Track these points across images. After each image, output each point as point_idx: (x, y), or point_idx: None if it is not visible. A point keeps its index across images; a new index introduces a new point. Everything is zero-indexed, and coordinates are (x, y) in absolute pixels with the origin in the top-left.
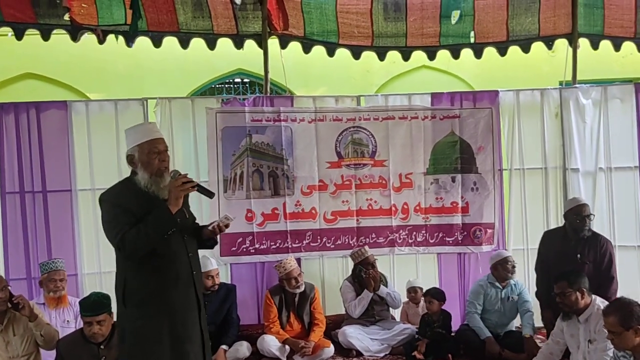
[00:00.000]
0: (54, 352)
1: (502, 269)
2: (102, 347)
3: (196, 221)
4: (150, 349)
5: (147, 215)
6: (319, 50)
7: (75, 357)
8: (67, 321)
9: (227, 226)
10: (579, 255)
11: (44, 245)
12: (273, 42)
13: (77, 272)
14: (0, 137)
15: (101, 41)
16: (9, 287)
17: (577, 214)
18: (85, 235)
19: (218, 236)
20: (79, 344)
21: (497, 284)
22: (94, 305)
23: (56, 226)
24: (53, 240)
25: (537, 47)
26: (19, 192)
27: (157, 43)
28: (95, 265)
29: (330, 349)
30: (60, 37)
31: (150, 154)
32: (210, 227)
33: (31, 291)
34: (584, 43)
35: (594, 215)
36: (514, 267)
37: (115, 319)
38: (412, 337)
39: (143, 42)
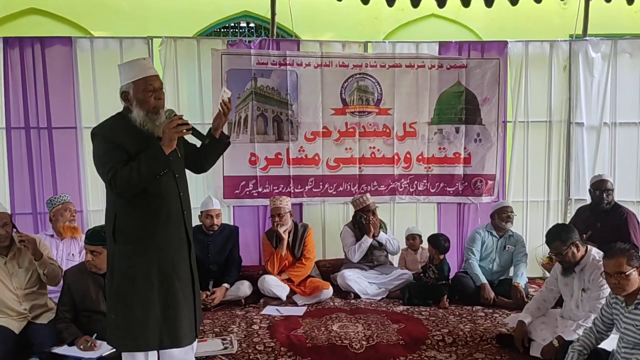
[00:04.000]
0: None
1: (498, 217)
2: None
3: (202, 145)
4: (138, 286)
5: (140, 154)
6: None
7: (82, 287)
8: (72, 254)
9: (229, 100)
10: (598, 224)
11: (49, 181)
12: None
13: (82, 209)
14: (5, 72)
15: None
16: (13, 223)
17: (597, 188)
18: (90, 172)
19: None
20: (85, 274)
21: (495, 232)
22: (92, 235)
23: (61, 163)
24: (58, 177)
25: None
26: (24, 128)
27: None
28: (101, 202)
29: (329, 291)
30: None
31: (145, 91)
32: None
33: (37, 226)
34: None
35: (613, 190)
36: (509, 216)
37: None
38: (409, 282)
39: None
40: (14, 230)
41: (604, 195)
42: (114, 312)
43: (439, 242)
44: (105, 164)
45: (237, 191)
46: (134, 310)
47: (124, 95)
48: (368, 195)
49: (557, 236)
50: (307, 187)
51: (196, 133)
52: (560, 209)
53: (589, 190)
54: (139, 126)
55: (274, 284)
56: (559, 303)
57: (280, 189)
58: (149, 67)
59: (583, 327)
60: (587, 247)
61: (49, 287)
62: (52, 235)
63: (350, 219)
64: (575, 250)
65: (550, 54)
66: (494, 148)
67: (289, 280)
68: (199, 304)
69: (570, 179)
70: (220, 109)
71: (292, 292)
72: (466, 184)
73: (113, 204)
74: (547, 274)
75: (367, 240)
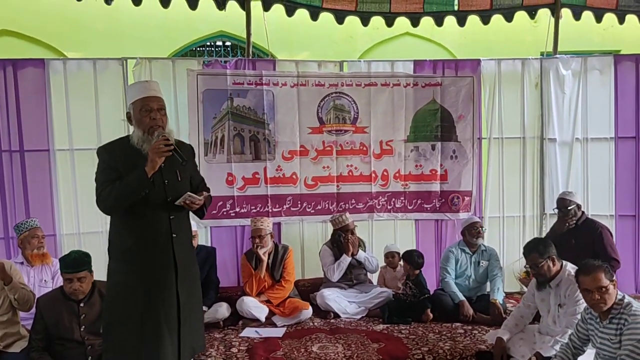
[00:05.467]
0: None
1: (468, 233)
2: (82, 304)
3: (203, 183)
4: (123, 306)
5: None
6: (302, 13)
7: (55, 314)
8: (45, 281)
9: (193, 203)
10: (573, 240)
11: (21, 204)
12: (256, 5)
13: (56, 233)
14: None
15: None
16: None
17: (558, 207)
18: (63, 195)
19: (204, 208)
20: (58, 302)
21: (467, 249)
22: (74, 262)
23: (34, 186)
24: (31, 200)
25: (520, 16)
26: None
27: (136, 1)
28: (74, 225)
29: (309, 311)
30: None
31: (142, 111)
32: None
33: (9, 251)
34: (566, 14)
35: (580, 205)
36: (479, 232)
37: (95, 277)
38: (389, 300)
39: (122, 0)
40: None
41: (567, 213)
42: (104, 329)
43: (412, 258)
44: (97, 182)
45: (214, 211)
46: (115, 331)
47: (128, 115)
48: (347, 214)
49: (534, 248)
50: (285, 207)
51: (177, 153)
52: (536, 223)
53: (554, 209)
54: (136, 146)
55: (253, 305)
56: (537, 318)
57: (258, 209)
58: (149, 89)
59: (560, 343)
60: (562, 263)
61: (22, 314)
62: (22, 263)
63: (329, 237)
64: (551, 264)
65: (522, 71)
66: (469, 164)
67: (267, 302)
68: (189, 331)
69: (545, 194)
70: (183, 204)
71: (272, 313)
72: (443, 200)
73: (112, 220)
74: (525, 289)
75: (346, 260)
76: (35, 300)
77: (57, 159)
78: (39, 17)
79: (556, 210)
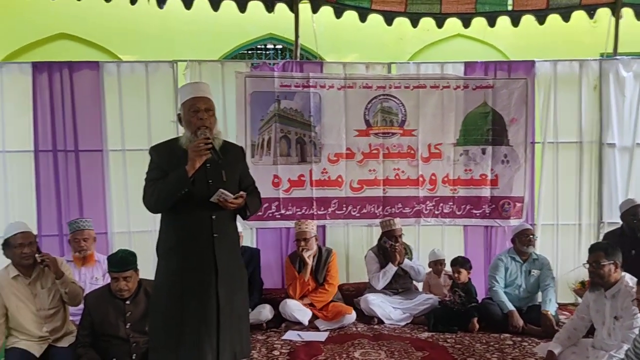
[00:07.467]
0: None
1: (519, 241)
2: (127, 302)
3: (253, 186)
4: (166, 305)
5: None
6: (350, 15)
7: (102, 312)
8: (96, 278)
9: (227, 201)
10: (633, 251)
11: (75, 203)
12: (304, 7)
13: (107, 231)
14: (34, 96)
15: (133, 1)
16: (37, 243)
17: (633, 214)
18: (115, 194)
19: (246, 209)
20: (105, 299)
21: (518, 257)
22: (120, 261)
23: (87, 185)
24: (84, 199)
25: (578, 16)
26: (52, 151)
27: (187, 5)
28: (125, 224)
29: (352, 316)
30: None
31: (190, 111)
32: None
33: (62, 248)
34: (627, 13)
35: None
36: (530, 239)
37: (143, 276)
38: (434, 307)
39: (174, 3)
40: (37, 251)
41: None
42: (149, 328)
43: (461, 263)
44: (145, 181)
45: (260, 213)
46: (157, 330)
47: (178, 117)
48: (397, 220)
49: (602, 248)
50: (330, 209)
51: (214, 152)
52: (593, 232)
53: (622, 217)
54: (183, 147)
55: (296, 308)
56: (591, 332)
57: (303, 211)
58: (198, 90)
59: (615, 358)
60: (622, 273)
61: (70, 310)
62: (70, 261)
63: (375, 241)
64: (612, 269)
65: (580, 73)
66: (522, 169)
67: (311, 305)
68: (229, 336)
69: (603, 202)
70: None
71: (314, 317)
72: (493, 206)
73: (161, 219)
74: (580, 300)
75: (391, 269)
76: (84, 297)
77: (109, 159)
78: (94, 21)
79: (624, 218)
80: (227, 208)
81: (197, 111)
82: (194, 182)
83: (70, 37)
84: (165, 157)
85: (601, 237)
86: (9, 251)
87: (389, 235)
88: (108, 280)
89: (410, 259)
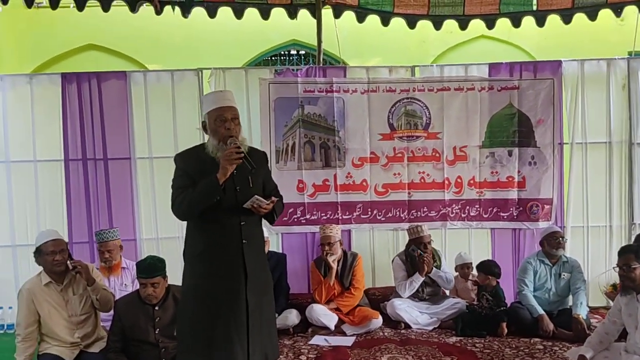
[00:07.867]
0: (111, 313)
1: (548, 244)
2: (156, 308)
3: (276, 190)
4: (194, 310)
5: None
6: (373, 19)
7: (132, 317)
8: (125, 284)
9: (260, 207)
10: None
11: (104, 210)
12: (327, 12)
13: (136, 237)
14: (64, 106)
15: (158, 12)
16: (69, 250)
17: None
18: (143, 201)
19: (274, 214)
20: (135, 305)
21: (547, 260)
22: (149, 268)
23: (116, 192)
24: (113, 206)
25: (604, 14)
26: (82, 160)
27: (211, 13)
28: (153, 231)
29: (379, 320)
30: (119, 8)
31: (217, 121)
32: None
33: (92, 255)
34: None
35: None
36: (559, 242)
37: (171, 281)
38: (462, 312)
39: (198, 12)
40: (69, 258)
41: None
42: (177, 333)
43: (489, 268)
44: (172, 188)
45: (285, 218)
46: (186, 335)
47: (203, 125)
48: (425, 226)
49: (633, 250)
50: (355, 214)
51: (247, 161)
52: (624, 234)
53: None
54: (210, 154)
55: (322, 313)
56: (623, 336)
57: (328, 216)
58: (224, 99)
59: None
60: None
61: (101, 316)
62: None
63: (401, 245)
64: None
65: (608, 72)
66: (550, 171)
67: (337, 310)
68: (259, 338)
69: (634, 203)
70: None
71: (341, 322)
72: (521, 208)
73: (187, 225)
74: (611, 303)
75: (418, 279)
76: (114, 303)
77: (137, 167)
78: (121, 32)
79: None
80: (259, 213)
81: (224, 121)
82: (223, 190)
83: (98, 47)
84: (191, 163)
85: (633, 239)
86: (40, 258)
87: (417, 243)
88: (137, 286)
89: (439, 266)
